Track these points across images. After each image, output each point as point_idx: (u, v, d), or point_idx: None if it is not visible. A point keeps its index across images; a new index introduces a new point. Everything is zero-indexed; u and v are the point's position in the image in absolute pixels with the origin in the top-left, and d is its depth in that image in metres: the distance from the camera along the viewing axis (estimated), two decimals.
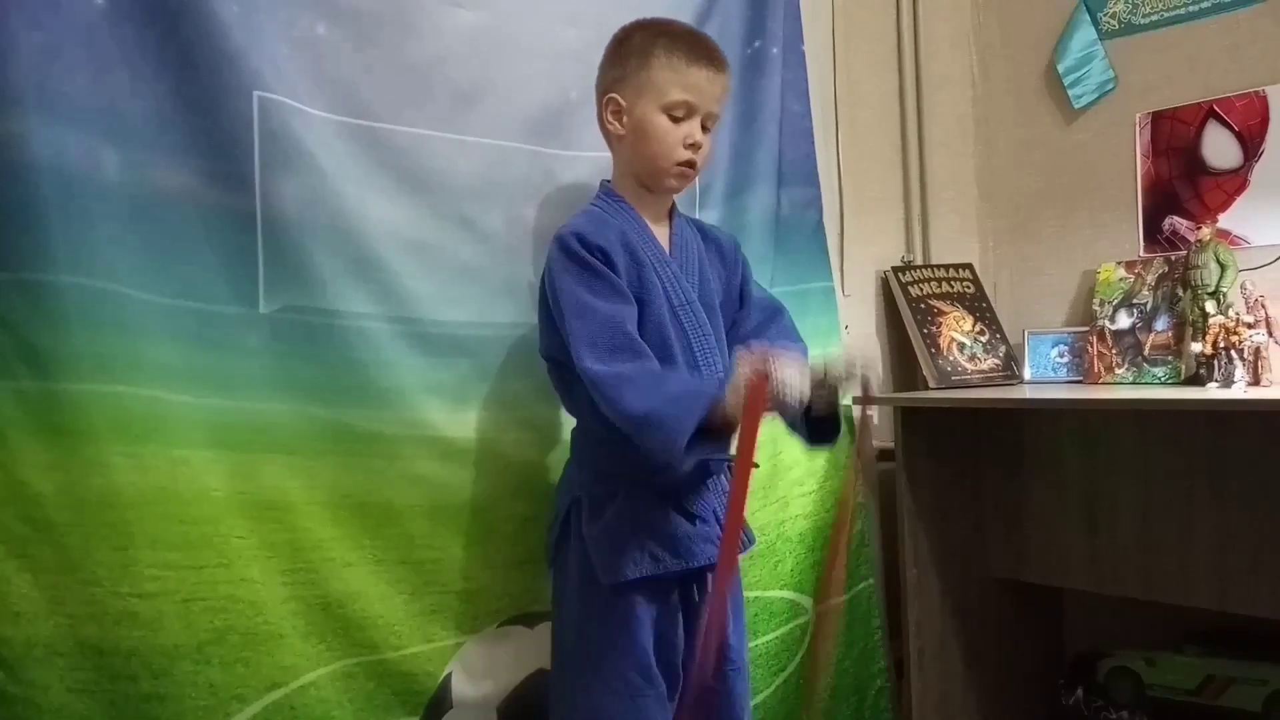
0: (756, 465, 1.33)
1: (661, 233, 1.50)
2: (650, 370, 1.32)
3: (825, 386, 1.31)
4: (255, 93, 1.36)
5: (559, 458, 1.60)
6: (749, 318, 1.56)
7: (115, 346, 1.26)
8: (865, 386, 1.33)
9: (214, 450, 1.34)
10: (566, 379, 1.45)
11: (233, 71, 1.35)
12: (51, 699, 1.20)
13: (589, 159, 1.67)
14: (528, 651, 1.58)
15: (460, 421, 1.54)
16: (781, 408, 1.23)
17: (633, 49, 1.45)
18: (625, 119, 1.45)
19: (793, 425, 1.41)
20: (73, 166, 1.24)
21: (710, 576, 1.45)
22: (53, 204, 1.22)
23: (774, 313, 1.59)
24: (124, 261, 1.27)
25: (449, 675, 1.52)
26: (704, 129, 1.45)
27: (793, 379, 1.22)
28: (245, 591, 1.34)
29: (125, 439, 1.26)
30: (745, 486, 1.23)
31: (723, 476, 1.47)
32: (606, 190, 1.50)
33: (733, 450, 1.30)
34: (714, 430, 1.27)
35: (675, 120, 1.43)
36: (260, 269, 1.39)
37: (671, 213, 1.54)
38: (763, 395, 1.21)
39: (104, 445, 1.24)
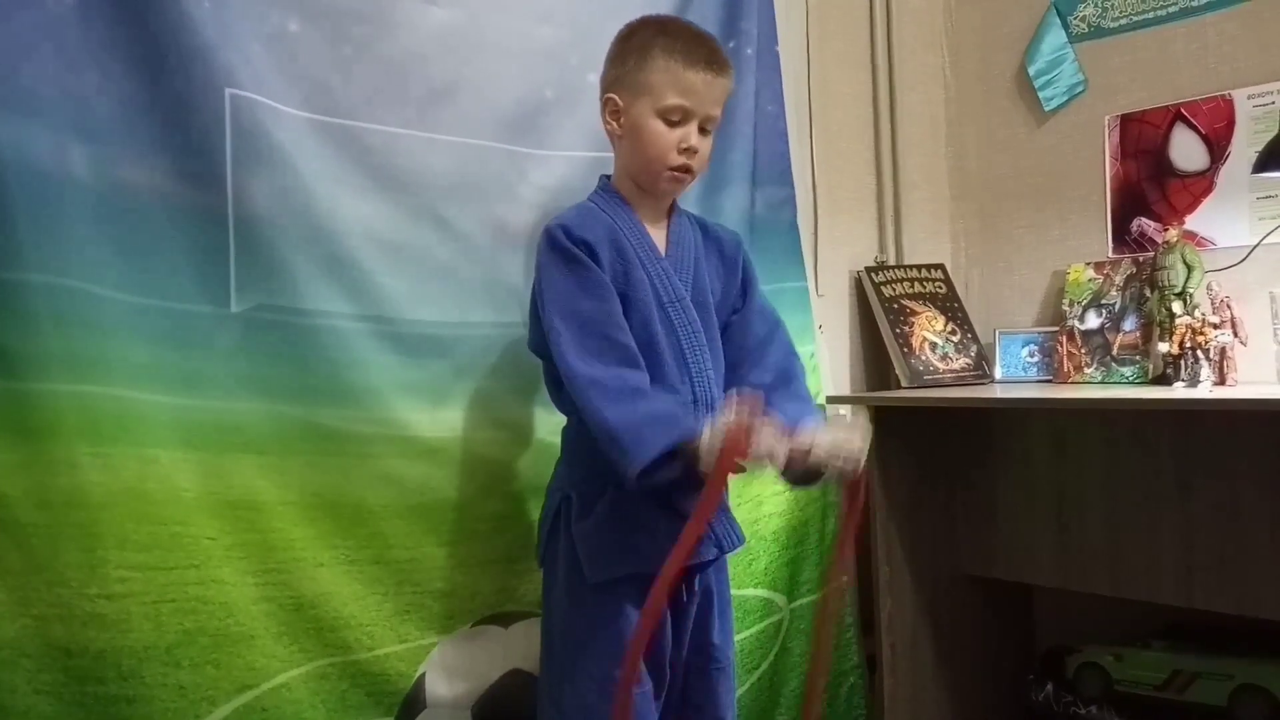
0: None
1: (658, 231, 1.49)
2: (627, 381, 1.31)
3: (806, 464, 1.29)
4: (227, 90, 1.36)
5: (534, 457, 1.60)
6: (751, 323, 1.54)
7: (84, 345, 1.25)
8: (847, 478, 1.31)
9: (184, 450, 1.33)
10: (557, 375, 1.45)
11: (204, 68, 1.34)
12: (18, 701, 1.19)
13: (563, 158, 1.67)
14: (502, 651, 1.58)
15: (434, 421, 1.54)
16: (753, 468, 1.25)
17: (632, 48, 1.43)
18: (623, 119, 1.43)
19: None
20: (41, 164, 1.23)
21: (701, 575, 1.46)
22: (20, 202, 1.21)
23: (775, 325, 1.57)
24: (93, 260, 1.26)
25: (423, 675, 1.52)
26: (703, 131, 1.44)
27: (771, 450, 1.23)
28: (215, 592, 1.33)
29: (94, 439, 1.25)
30: (700, 527, 1.23)
31: None
32: (604, 186, 1.50)
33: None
34: (682, 462, 1.26)
35: (671, 124, 1.41)
36: (232, 267, 1.38)
37: (672, 210, 1.52)
38: (737, 452, 1.20)
39: (72, 445, 1.23)
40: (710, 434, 1.23)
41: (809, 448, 1.29)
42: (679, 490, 1.39)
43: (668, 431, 1.26)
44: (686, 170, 1.43)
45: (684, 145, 1.41)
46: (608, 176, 1.51)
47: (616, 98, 1.43)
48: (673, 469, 1.27)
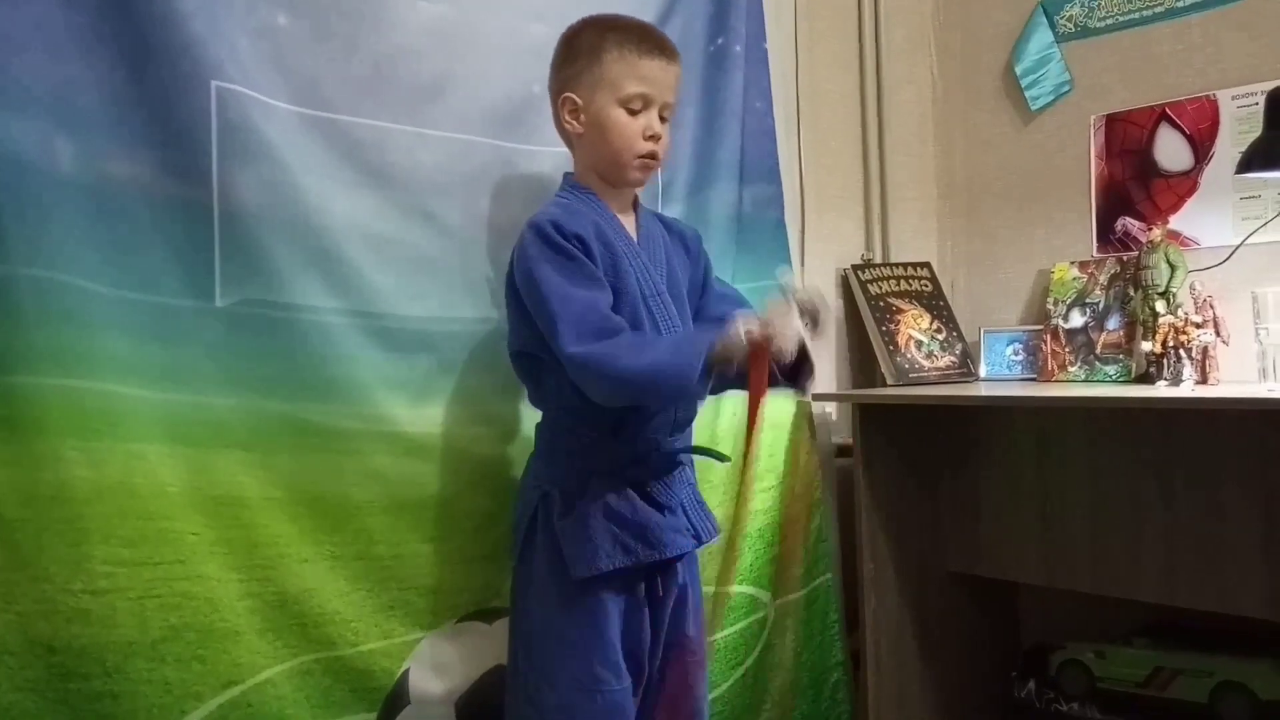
0: (726, 458, 1.48)
1: (629, 224, 1.51)
2: (635, 336, 1.35)
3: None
4: (214, 83, 1.35)
5: (519, 453, 1.60)
6: (712, 307, 1.58)
7: (68, 340, 1.23)
8: (816, 320, 1.39)
9: (169, 445, 1.32)
10: (535, 372, 1.46)
11: (191, 61, 1.33)
12: (0, 697, 1.18)
13: (552, 153, 1.66)
14: (486, 647, 1.58)
15: (420, 417, 1.53)
16: (779, 355, 1.31)
17: (583, 47, 1.46)
18: (583, 117, 1.46)
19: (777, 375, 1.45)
20: (25, 156, 1.22)
21: (676, 568, 1.47)
22: (4, 194, 1.20)
23: (738, 303, 1.61)
24: (78, 254, 1.25)
25: (406, 671, 1.51)
26: (661, 119, 1.47)
27: (787, 327, 1.30)
28: (201, 588, 1.32)
29: (79, 433, 1.24)
30: (756, 420, 1.33)
31: (687, 469, 1.48)
32: (572, 183, 1.51)
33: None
34: (710, 373, 1.33)
35: (633, 113, 1.44)
36: (217, 262, 1.37)
37: (635, 205, 1.55)
38: (765, 349, 1.29)
39: (57, 440, 1.22)
40: (723, 337, 1.30)
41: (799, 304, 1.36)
42: (658, 481, 1.43)
43: (696, 342, 1.31)
44: (653, 157, 1.46)
45: (649, 132, 1.45)
46: (571, 174, 1.53)
47: (574, 96, 1.46)
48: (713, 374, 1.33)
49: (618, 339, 1.33)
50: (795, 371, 1.42)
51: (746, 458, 1.38)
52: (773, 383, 1.40)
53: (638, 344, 1.34)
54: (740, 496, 1.48)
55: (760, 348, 1.28)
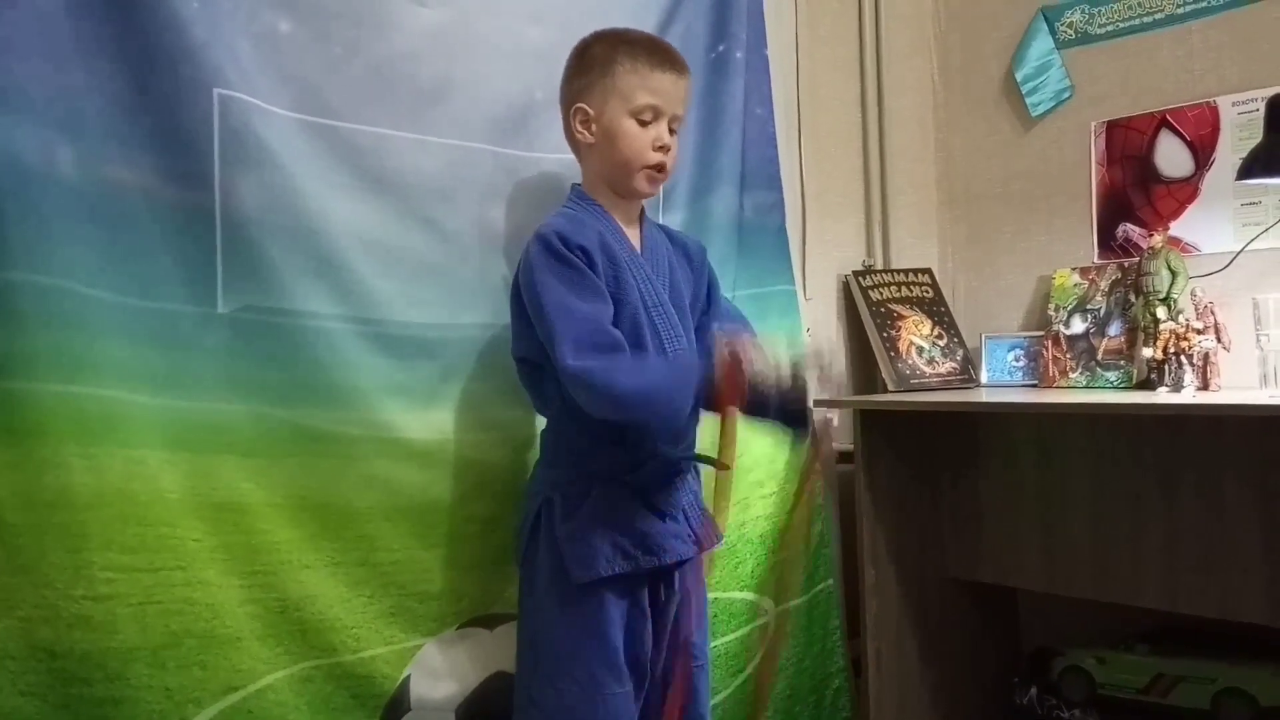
0: (726, 467, 1.46)
1: (633, 235, 1.52)
2: (634, 357, 1.37)
3: (792, 375, 1.43)
4: (216, 90, 1.35)
5: (521, 459, 1.60)
6: (718, 323, 1.58)
7: (70, 345, 1.24)
8: (825, 376, 1.45)
9: (170, 451, 1.32)
10: (537, 378, 1.47)
11: (193, 68, 1.33)
12: (2, 702, 1.19)
13: (553, 160, 1.67)
14: (487, 653, 1.58)
15: (422, 423, 1.53)
16: (754, 389, 1.36)
17: (595, 59, 1.47)
18: (594, 127, 1.48)
19: (763, 408, 1.49)
20: (27, 161, 1.22)
21: (679, 574, 1.48)
22: (6, 199, 1.20)
23: (743, 323, 1.63)
24: (80, 259, 1.25)
25: (408, 677, 1.51)
26: (670, 131, 1.49)
27: (762, 362, 1.35)
28: (202, 594, 1.32)
29: (80, 439, 1.24)
30: (728, 433, 1.38)
31: (690, 476, 1.49)
32: (579, 193, 1.52)
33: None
34: (702, 403, 1.39)
35: (643, 124, 1.46)
36: (219, 268, 1.37)
37: (641, 217, 1.56)
38: (738, 376, 1.35)
39: (58, 445, 1.22)
40: (714, 363, 1.37)
41: (791, 358, 1.44)
42: (658, 487, 1.43)
43: (690, 370, 1.37)
44: (662, 168, 1.48)
45: (658, 143, 1.47)
46: (579, 185, 1.54)
47: (586, 107, 1.48)
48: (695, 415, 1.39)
49: (616, 356, 1.34)
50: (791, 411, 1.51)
51: (719, 469, 1.43)
52: (763, 412, 1.47)
53: (636, 364, 1.36)
54: (716, 507, 1.51)
55: (731, 364, 1.34)
